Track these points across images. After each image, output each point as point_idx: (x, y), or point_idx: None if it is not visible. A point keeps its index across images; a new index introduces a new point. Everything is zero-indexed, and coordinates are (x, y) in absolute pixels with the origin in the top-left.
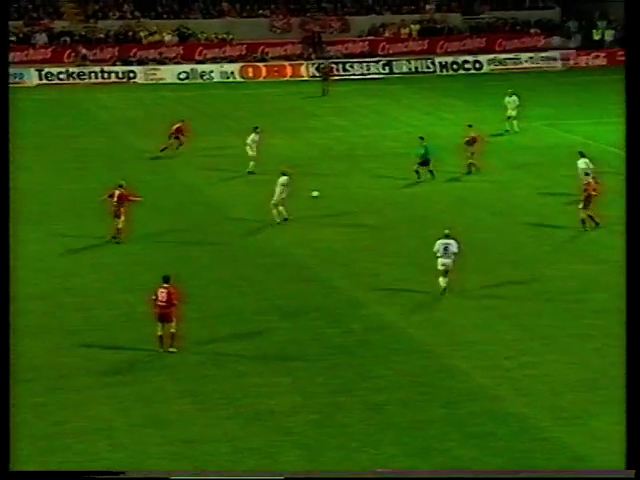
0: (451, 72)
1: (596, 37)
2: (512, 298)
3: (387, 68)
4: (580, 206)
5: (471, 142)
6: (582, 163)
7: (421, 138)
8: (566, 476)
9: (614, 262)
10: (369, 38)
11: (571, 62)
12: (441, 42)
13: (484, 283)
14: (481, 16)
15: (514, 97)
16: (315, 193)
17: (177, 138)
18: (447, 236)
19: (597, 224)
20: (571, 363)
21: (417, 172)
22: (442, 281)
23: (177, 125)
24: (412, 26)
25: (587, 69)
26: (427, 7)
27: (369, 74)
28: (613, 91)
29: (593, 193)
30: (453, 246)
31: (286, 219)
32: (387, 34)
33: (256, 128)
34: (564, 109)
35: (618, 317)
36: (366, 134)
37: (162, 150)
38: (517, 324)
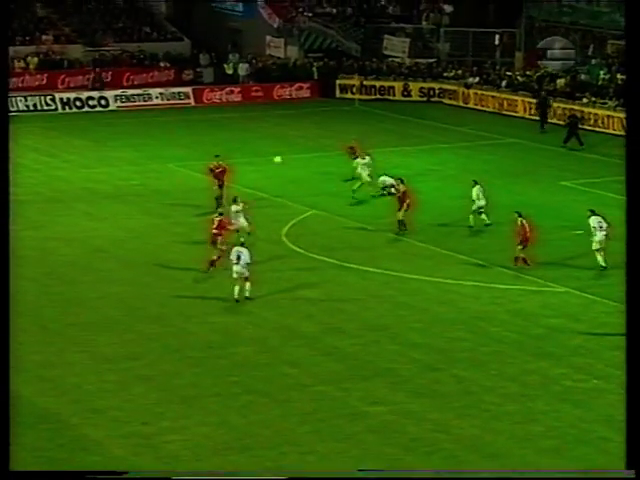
0: (75, 109)
1: (228, 71)
2: (148, 357)
3: None
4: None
5: (220, 174)
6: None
7: None
8: (566, 476)
9: (254, 314)
10: None
11: (204, 98)
12: (62, 76)
13: (116, 342)
14: (105, 48)
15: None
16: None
17: None
18: (242, 244)
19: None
20: (215, 424)
21: None
22: (236, 290)
23: None
24: (30, 59)
25: (221, 105)
26: (43, 37)
27: None
28: (246, 129)
29: (228, 228)
30: (245, 255)
31: None
32: None
33: None
34: (198, 149)
35: (259, 372)
36: None
37: None
38: (155, 386)
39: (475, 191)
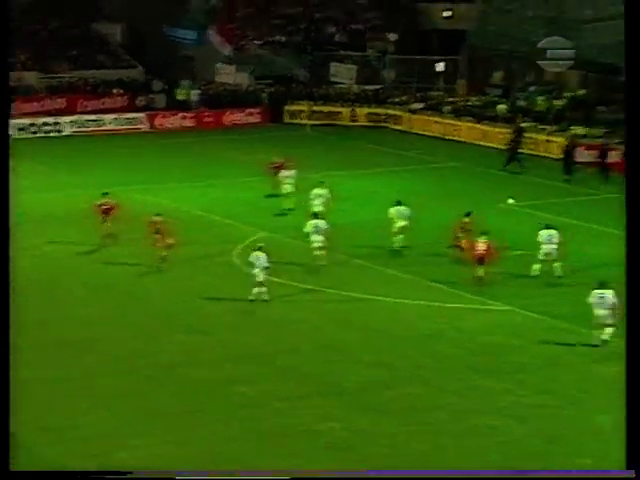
0: (30, 135)
1: (180, 97)
2: (119, 376)
3: None
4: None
5: (108, 211)
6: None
7: None
8: (567, 476)
9: (211, 334)
10: None
11: (157, 124)
12: (18, 103)
13: (91, 363)
14: (60, 75)
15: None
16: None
17: None
18: (259, 248)
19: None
20: (177, 442)
21: None
22: (255, 291)
23: None
24: None
25: (173, 131)
26: None
27: None
28: (198, 154)
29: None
30: (262, 259)
31: None
32: None
33: None
34: (150, 173)
35: (216, 390)
36: None
37: None
38: (131, 404)
39: (396, 211)
